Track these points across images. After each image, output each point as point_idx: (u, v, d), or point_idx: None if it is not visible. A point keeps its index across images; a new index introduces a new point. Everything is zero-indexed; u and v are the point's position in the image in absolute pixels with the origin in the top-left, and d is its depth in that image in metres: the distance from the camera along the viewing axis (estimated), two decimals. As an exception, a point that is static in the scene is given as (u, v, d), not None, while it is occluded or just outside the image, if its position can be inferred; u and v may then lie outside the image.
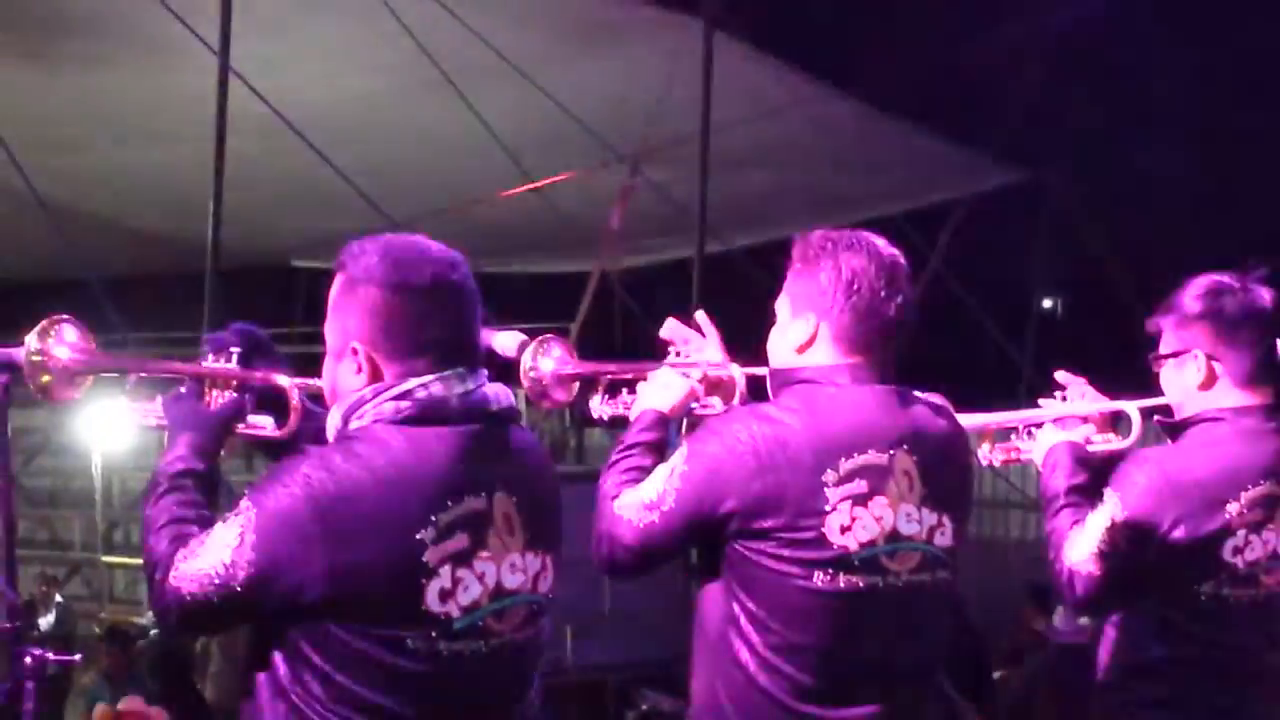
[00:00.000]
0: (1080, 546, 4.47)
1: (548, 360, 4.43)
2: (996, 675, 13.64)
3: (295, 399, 3.85)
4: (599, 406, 4.49)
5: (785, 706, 3.86)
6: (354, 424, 3.43)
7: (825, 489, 3.81)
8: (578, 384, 4.50)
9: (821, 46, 15.95)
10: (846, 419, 3.88)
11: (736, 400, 4.29)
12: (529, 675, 3.60)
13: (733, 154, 14.72)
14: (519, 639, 3.49)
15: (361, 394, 3.43)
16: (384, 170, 14.86)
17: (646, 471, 4.01)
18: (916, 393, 4.08)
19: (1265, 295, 4.62)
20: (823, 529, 3.80)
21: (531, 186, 15.68)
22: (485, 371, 3.53)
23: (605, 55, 14.06)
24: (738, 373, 4.31)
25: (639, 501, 3.92)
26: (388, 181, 14.63)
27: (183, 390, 3.81)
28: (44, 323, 3.80)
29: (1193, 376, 4.59)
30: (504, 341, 4.42)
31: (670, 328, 4.45)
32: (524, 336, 4.45)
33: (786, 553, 3.81)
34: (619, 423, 4.37)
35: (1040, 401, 4.95)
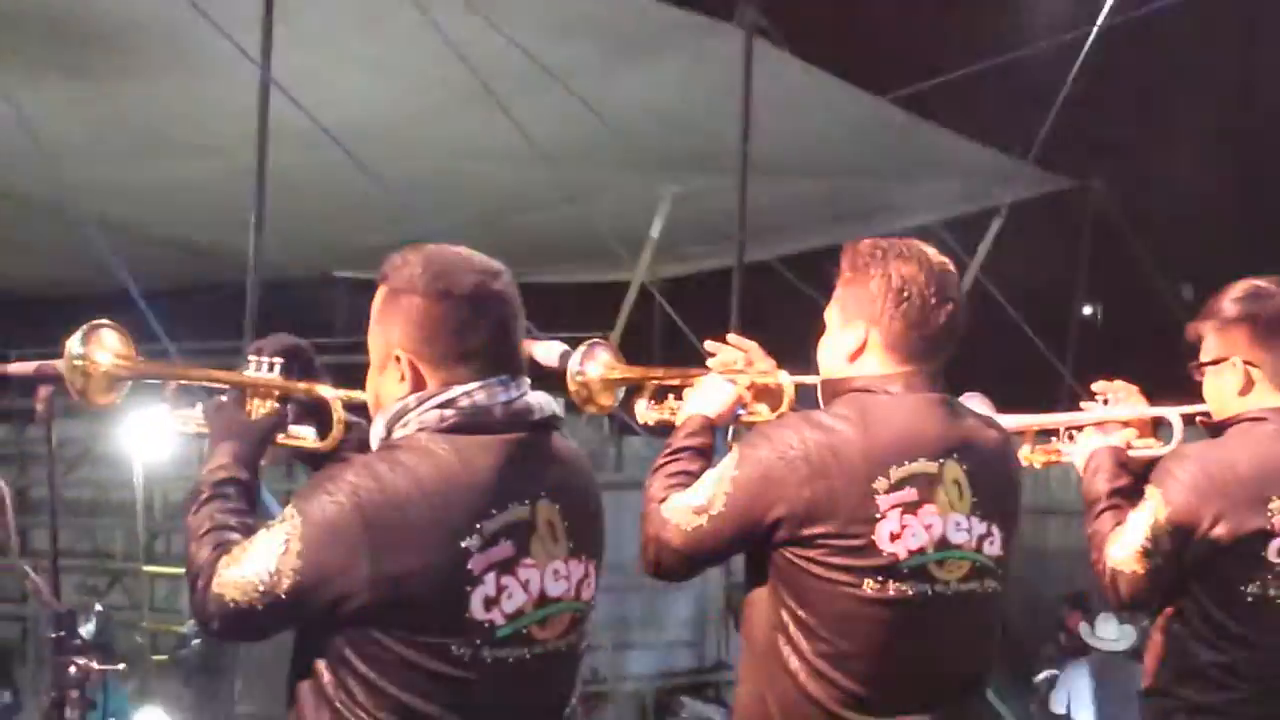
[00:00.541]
0: (1123, 545, 4.48)
1: (595, 365, 4.45)
2: (1038, 679, 13.63)
3: (338, 410, 3.87)
4: (645, 412, 4.51)
5: (834, 715, 3.86)
6: (398, 432, 3.44)
7: (876, 496, 3.82)
8: (622, 390, 4.51)
9: (861, 54, 15.93)
10: (898, 427, 3.89)
11: (785, 407, 4.29)
12: (572, 682, 3.61)
13: (772, 162, 14.68)
14: (562, 646, 3.50)
15: (405, 402, 3.45)
16: (425, 181, 14.87)
17: (693, 476, 4.02)
18: (957, 400, 4.09)
19: None
20: (873, 536, 3.81)
21: (571, 196, 15.68)
22: (528, 380, 3.55)
23: (645, 65, 14.04)
24: (786, 380, 4.32)
25: (688, 505, 3.93)
26: (428, 192, 14.63)
27: (224, 399, 3.83)
28: (85, 328, 3.82)
29: (1231, 382, 4.60)
30: (544, 351, 4.43)
31: (715, 346, 4.46)
32: (565, 346, 4.47)
33: (836, 560, 3.82)
34: (661, 431, 4.39)
35: (1082, 405, 4.96)
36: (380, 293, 3.54)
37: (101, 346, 3.82)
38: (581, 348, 4.44)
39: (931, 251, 4.03)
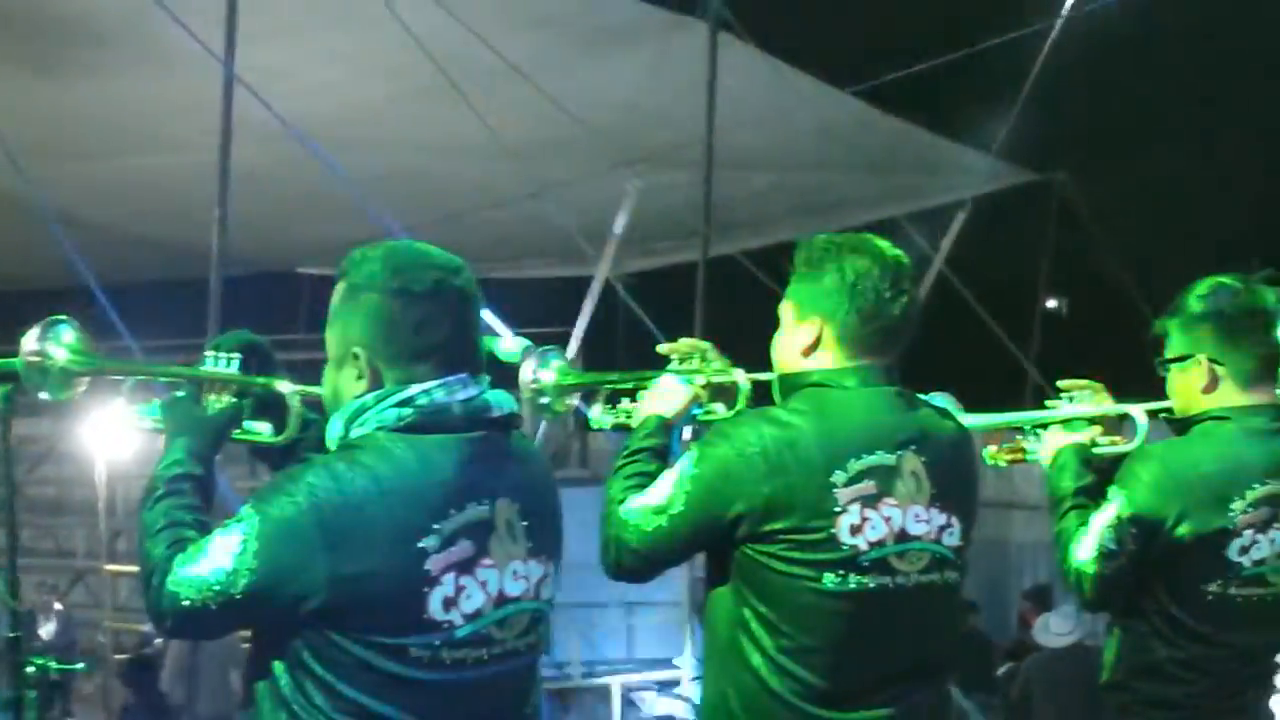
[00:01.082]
0: (1087, 546, 4.48)
1: (548, 372, 4.44)
2: (1000, 672, 13.70)
3: (295, 406, 3.85)
4: (600, 417, 4.51)
5: (796, 709, 3.86)
6: (355, 431, 3.42)
7: (835, 490, 3.82)
8: (578, 395, 4.51)
9: (825, 48, 15.95)
10: (854, 420, 3.89)
11: (741, 404, 4.30)
12: (531, 682, 3.60)
13: (737, 157, 14.71)
14: (521, 647, 3.48)
15: (363, 400, 3.42)
16: (389, 177, 14.85)
17: (651, 477, 4.01)
18: (922, 396, 4.10)
19: (1268, 296, 4.64)
20: (833, 530, 3.81)
21: (535, 192, 15.68)
22: (487, 378, 3.53)
23: (609, 59, 14.05)
24: (741, 377, 4.32)
25: (647, 506, 3.92)
26: (393, 188, 14.62)
27: (180, 394, 3.82)
28: (41, 324, 3.80)
29: (1196, 380, 4.60)
30: (507, 348, 4.42)
31: (669, 347, 4.46)
32: (528, 342, 4.46)
33: (797, 555, 3.82)
34: (625, 430, 4.38)
35: (1046, 403, 4.96)
36: (339, 289, 3.52)
37: (58, 342, 3.80)
38: (533, 356, 4.43)
39: (886, 245, 4.03)
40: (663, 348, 4.47)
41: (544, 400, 4.45)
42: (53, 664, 11.83)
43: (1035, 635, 12.18)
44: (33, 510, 19.92)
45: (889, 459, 3.88)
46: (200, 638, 3.58)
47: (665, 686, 13.85)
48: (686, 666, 14.12)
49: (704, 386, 4.35)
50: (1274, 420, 4.60)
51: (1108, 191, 18.89)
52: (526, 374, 4.41)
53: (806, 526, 3.81)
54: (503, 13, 13.04)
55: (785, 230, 17.36)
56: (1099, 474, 4.68)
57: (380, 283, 3.44)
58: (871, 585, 3.84)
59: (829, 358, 3.98)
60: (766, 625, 3.86)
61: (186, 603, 3.31)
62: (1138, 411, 4.80)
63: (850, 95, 15.31)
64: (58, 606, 16.30)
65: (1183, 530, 4.44)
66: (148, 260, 18.85)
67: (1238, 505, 4.46)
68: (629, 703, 13.89)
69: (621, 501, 3.98)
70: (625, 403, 4.47)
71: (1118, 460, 4.70)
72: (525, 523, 3.46)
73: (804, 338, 4.00)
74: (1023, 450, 4.97)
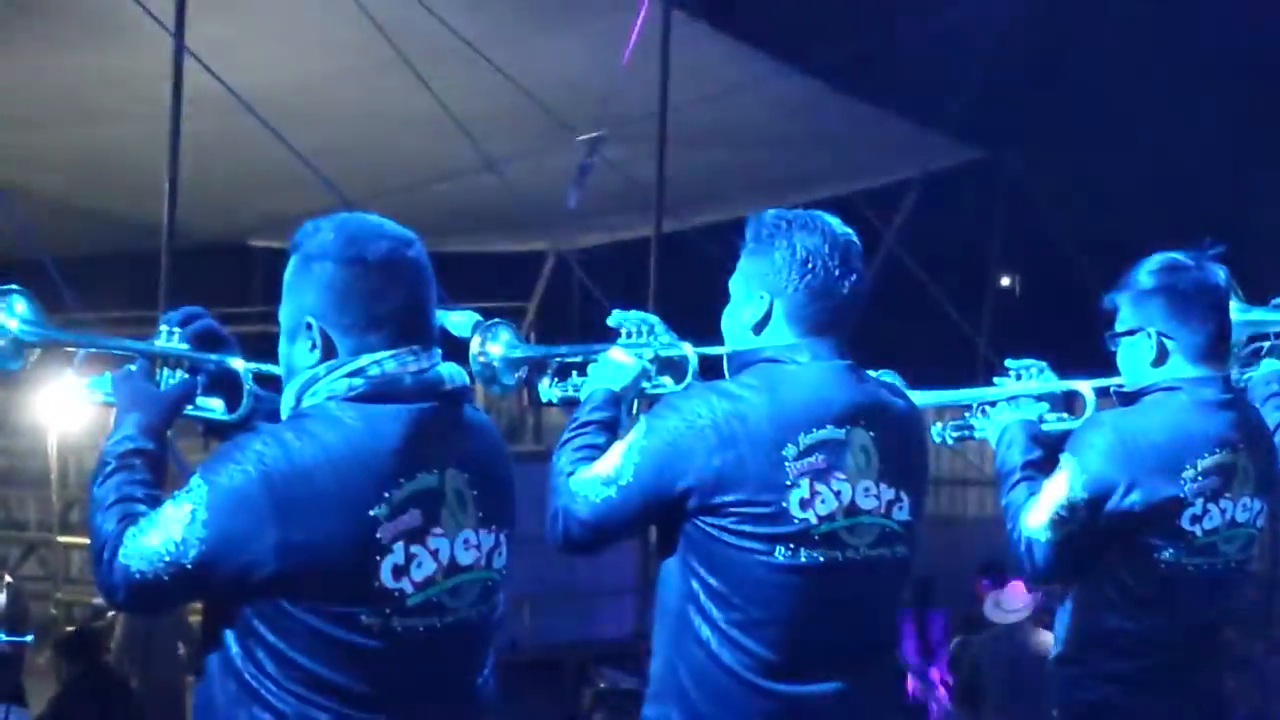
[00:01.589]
0: (1037, 514, 4.50)
1: (496, 345, 4.45)
2: (952, 646, 13.73)
3: (248, 382, 3.85)
4: (548, 389, 4.51)
5: (746, 683, 3.87)
6: (307, 401, 3.42)
7: (786, 464, 3.83)
8: (527, 367, 4.52)
9: (778, 25, 15.94)
10: (805, 395, 3.90)
11: (689, 378, 4.31)
12: (484, 652, 3.60)
13: (690, 133, 14.71)
14: (473, 616, 3.48)
15: (315, 371, 3.43)
16: (341, 150, 14.81)
17: (600, 449, 4.02)
18: (870, 373, 4.12)
19: (1218, 272, 4.67)
20: (784, 504, 3.82)
21: (488, 166, 15.65)
22: (439, 350, 3.54)
23: (562, 34, 14.03)
24: (689, 351, 4.33)
25: (596, 478, 3.93)
26: (344, 161, 14.58)
27: (132, 369, 3.81)
28: None
29: (1145, 353, 4.62)
30: (458, 321, 4.43)
31: (617, 317, 4.47)
32: (478, 316, 4.46)
33: (747, 528, 3.83)
34: (573, 404, 4.38)
35: (995, 380, 4.98)
36: (292, 260, 3.52)
37: (10, 313, 3.78)
38: (482, 329, 4.43)
39: (836, 223, 4.04)
40: (612, 319, 4.48)
41: (492, 373, 4.46)
42: (2, 635, 11.79)
43: (986, 613, 12.20)
44: (-17, 481, 19.86)
45: (839, 434, 3.89)
46: (153, 610, 3.57)
47: (620, 661, 13.86)
48: (640, 640, 14.16)
49: (652, 360, 4.36)
50: (1224, 391, 4.64)
51: (1059, 169, 18.96)
52: (475, 346, 4.42)
53: (757, 500, 3.82)
54: (455, -14, 13.01)
55: (738, 206, 17.34)
56: (1047, 451, 4.71)
57: (334, 252, 3.43)
58: (821, 559, 3.86)
59: (778, 333, 3.99)
60: (716, 598, 3.88)
61: (138, 575, 3.31)
62: (1086, 388, 4.84)
63: (803, 72, 15.32)
64: (8, 579, 16.22)
65: (1135, 498, 4.46)
66: (99, 233, 18.77)
67: (1189, 474, 4.49)
68: (584, 678, 13.90)
69: (570, 474, 3.99)
70: (574, 376, 4.48)
71: (1065, 437, 4.72)
72: (475, 492, 3.47)
73: (754, 313, 4.01)
74: (970, 427, 5.00)
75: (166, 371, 3.79)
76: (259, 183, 16.70)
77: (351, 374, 3.40)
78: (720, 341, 4.17)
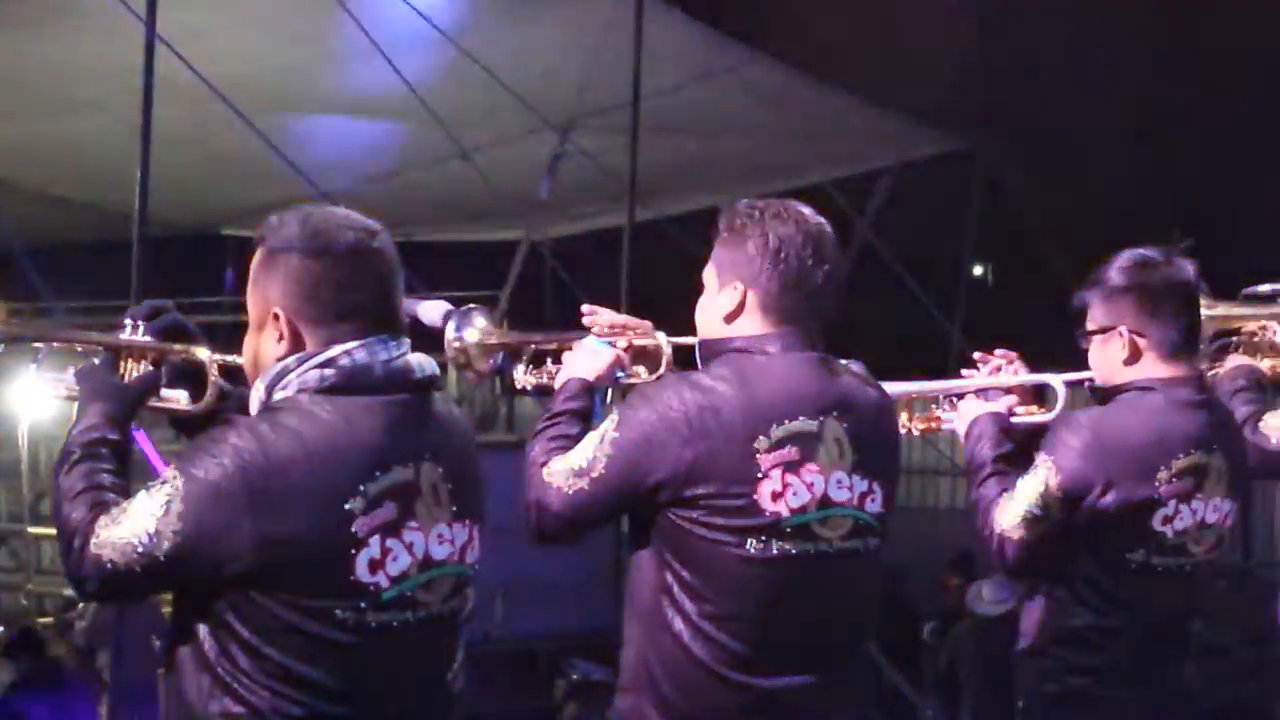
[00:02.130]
0: (1010, 511, 4.50)
1: (471, 330, 4.44)
2: (925, 635, 13.75)
3: (213, 374, 3.84)
4: (523, 377, 4.49)
5: (718, 675, 3.88)
6: (278, 394, 3.41)
7: (757, 456, 3.83)
8: (501, 354, 4.50)
9: (752, 13, 15.94)
10: (776, 386, 3.90)
11: (663, 368, 4.30)
12: (455, 646, 3.60)
13: (663, 121, 14.67)
14: (445, 610, 3.49)
15: (285, 364, 3.42)
16: (313, 139, 14.80)
17: (574, 439, 4.01)
18: (842, 362, 4.10)
19: (1189, 269, 4.67)
20: (755, 496, 3.82)
21: (461, 154, 15.62)
22: (408, 340, 3.52)
23: (535, 22, 14.00)
24: (664, 341, 4.32)
25: (568, 469, 3.92)
26: (317, 150, 14.57)
27: (96, 361, 3.80)
28: None
29: (1117, 352, 4.63)
30: (428, 311, 4.41)
31: (591, 309, 4.45)
32: (448, 306, 4.45)
33: (719, 520, 3.83)
34: (547, 392, 4.37)
35: (964, 372, 4.98)
36: (258, 254, 3.52)
37: None
38: (456, 315, 4.42)
39: (809, 212, 4.03)
40: (585, 310, 4.46)
41: (467, 359, 4.44)
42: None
43: (970, 604, 12.22)
44: (-48, 472, 19.77)
45: (811, 425, 3.89)
46: (123, 601, 3.58)
47: (592, 653, 13.83)
48: (612, 632, 14.10)
49: (626, 349, 4.35)
50: (1199, 392, 4.64)
51: (1033, 159, 18.97)
52: (449, 332, 4.40)
53: (728, 492, 3.82)
54: (429, -26, 12.98)
55: (711, 195, 17.34)
56: (1016, 444, 4.71)
57: (300, 244, 3.44)
58: (794, 551, 3.86)
59: (751, 323, 3.98)
60: (689, 590, 3.87)
61: (109, 565, 3.31)
62: (1056, 381, 4.84)
63: (777, 61, 15.30)
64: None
65: (1109, 499, 4.47)
66: (70, 222, 18.71)
67: (1163, 475, 4.50)
68: (555, 670, 13.88)
69: (544, 464, 3.98)
70: (548, 364, 4.47)
71: (1033, 430, 4.73)
72: (450, 486, 3.47)
73: (726, 303, 4.01)
74: (938, 419, 4.99)
75: (131, 364, 3.78)
76: (232, 172, 16.64)
77: (322, 365, 3.39)
78: (694, 331, 4.15)
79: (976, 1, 15.70)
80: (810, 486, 3.86)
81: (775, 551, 3.84)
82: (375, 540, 3.32)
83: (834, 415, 3.92)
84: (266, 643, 3.29)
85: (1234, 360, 5.25)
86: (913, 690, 13.85)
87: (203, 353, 3.87)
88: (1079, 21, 18.78)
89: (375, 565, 3.32)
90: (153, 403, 3.84)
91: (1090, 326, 4.70)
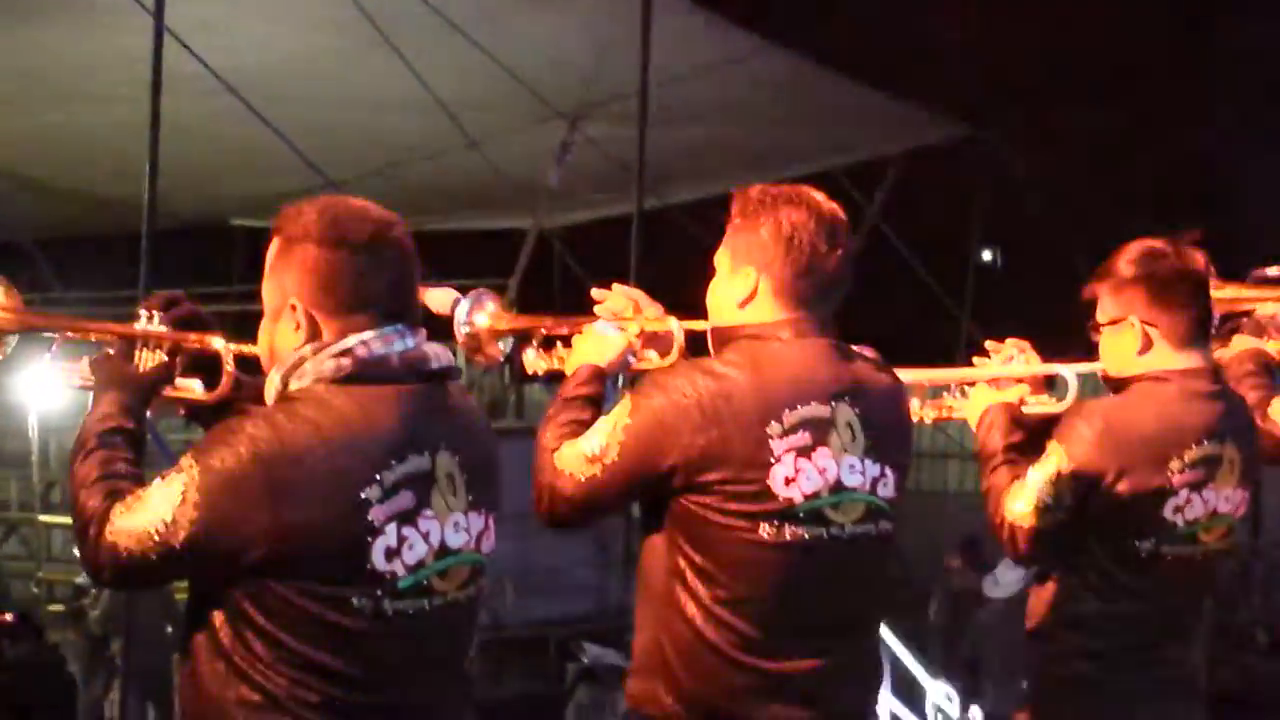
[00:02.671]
0: (1022, 499, 4.50)
1: (482, 315, 4.44)
2: (931, 620, 13.77)
3: (228, 363, 3.86)
4: (533, 361, 4.49)
5: (730, 659, 3.88)
6: (294, 384, 3.42)
7: (770, 441, 3.83)
8: (512, 339, 4.51)
9: (760, 1, 15.95)
10: (789, 372, 3.90)
11: (675, 353, 4.30)
12: (469, 634, 3.61)
13: (672, 110, 14.68)
14: (461, 598, 3.49)
15: (301, 353, 3.42)
16: (322, 129, 14.78)
17: (585, 425, 4.01)
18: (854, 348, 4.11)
19: (1198, 258, 4.68)
20: (767, 481, 3.82)
21: (470, 144, 15.64)
22: (424, 330, 3.54)
23: (543, 12, 14.01)
24: (675, 326, 4.32)
25: (581, 454, 3.93)
26: (326, 141, 14.55)
27: (110, 351, 3.81)
28: None
29: (1129, 342, 4.63)
30: (437, 299, 4.41)
31: (602, 294, 4.45)
32: (456, 293, 4.45)
33: (732, 506, 3.83)
34: (557, 378, 4.38)
35: (975, 361, 4.99)
36: (274, 244, 3.51)
37: None
38: (469, 297, 4.42)
39: (821, 198, 4.04)
40: (596, 294, 4.46)
41: (477, 343, 4.44)
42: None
43: (985, 589, 12.25)
44: (-37, 461, 19.81)
45: (823, 410, 3.89)
46: (139, 588, 3.59)
47: (601, 637, 13.84)
48: (624, 616, 14.15)
49: (638, 335, 4.35)
50: (1212, 382, 4.65)
51: (1041, 144, 18.96)
52: (461, 315, 4.40)
53: (741, 478, 3.82)
54: (436, -36, 12.98)
55: (719, 183, 17.35)
56: (1028, 433, 4.72)
57: (317, 234, 3.43)
58: (807, 536, 3.86)
59: (764, 309, 3.99)
60: (702, 575, 3.88)
61: (125, 553, 3.31)
62: (1067, 371, 4.85)
63: (784, 48, 15.30)
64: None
65: (1121, 488, 4.47)
66: (79, 213, 18.73)
67: (1175, 465, 4.50)
68: (566, 654, 13.90)
69: (555, 450, 3.98)
70: (560, 348, 4.47)
71: (1046, 420, 4.73)
72: (465, 475, 3.48)
73: (739, 289, 4.01)
74: (949, 407, 5.00)
75: (146, 353, 3.80)
76: (240, 163, 16.66)
77: (339, 354, 3.40)
78: (703, 317, 4.16)
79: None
80: (823, 471, 3.87)
81: (788, 536, 3.85)
82: (392, 529, 3.33)
83: (846, 400, 3.92)
84: (283, 630, 3.29)
85: (1241, 342, 5.25)
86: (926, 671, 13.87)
87: (218, 342, 3.88)
88: (1087, 6, 18.76)
89: (392, 553, 3.33)
90: (168, 392, 3.86)
91: (1101, 318, 4.70)
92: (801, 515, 3.85)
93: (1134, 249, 4.67)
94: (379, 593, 3.33)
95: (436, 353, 3.51)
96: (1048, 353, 4.93)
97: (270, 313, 3.52)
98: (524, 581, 13.64)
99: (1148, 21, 18.84)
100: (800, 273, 3.96)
